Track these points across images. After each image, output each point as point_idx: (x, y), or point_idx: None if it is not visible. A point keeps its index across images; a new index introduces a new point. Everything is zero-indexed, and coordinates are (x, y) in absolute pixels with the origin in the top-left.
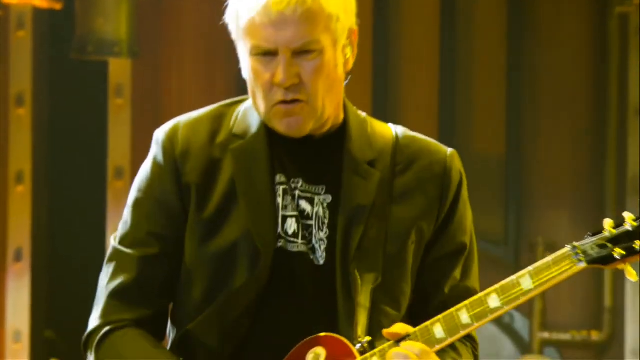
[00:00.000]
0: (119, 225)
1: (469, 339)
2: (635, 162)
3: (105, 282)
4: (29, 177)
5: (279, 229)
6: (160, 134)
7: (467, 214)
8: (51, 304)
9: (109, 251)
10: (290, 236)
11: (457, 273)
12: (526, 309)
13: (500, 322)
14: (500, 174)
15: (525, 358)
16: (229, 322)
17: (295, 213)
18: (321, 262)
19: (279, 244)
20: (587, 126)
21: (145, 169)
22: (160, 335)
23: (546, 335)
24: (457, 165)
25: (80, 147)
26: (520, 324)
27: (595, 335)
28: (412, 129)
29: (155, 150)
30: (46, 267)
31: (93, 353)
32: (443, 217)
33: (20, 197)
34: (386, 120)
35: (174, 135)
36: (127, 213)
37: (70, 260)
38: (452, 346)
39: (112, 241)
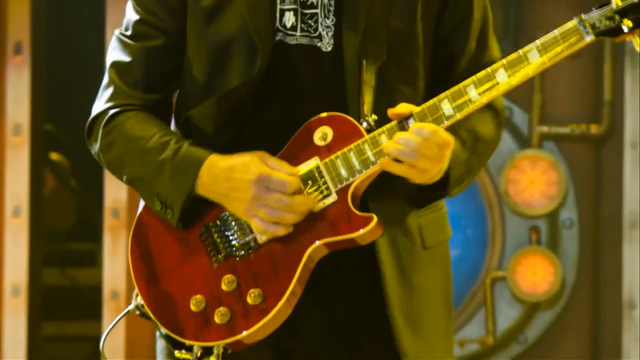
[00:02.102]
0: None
1: (489, 107)
2: None
3: (110, 69)
4: None
5: (277, 23)
6: None
7: None
8: (51, 98)
9: (112, 42)
10: (288, 29)
11: (472, 44)
12: (525, 102)
13: None
14: None
15: (524, 152)
16: (228, 113)
17: (293, 6)
18: (329, 48)
19: (278, 38)
20: None
21: None
22: (165, 122)
23: (545, 129)
24: None
25: None
26: (519, 118)
27: (594, 129)
28: None
29: None
30: (46, 60)
31: (100, 134)
32: None
33: None
34: None
35: None
36: (129, 5)
37: (70, 54)
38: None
39: (117, 32)
